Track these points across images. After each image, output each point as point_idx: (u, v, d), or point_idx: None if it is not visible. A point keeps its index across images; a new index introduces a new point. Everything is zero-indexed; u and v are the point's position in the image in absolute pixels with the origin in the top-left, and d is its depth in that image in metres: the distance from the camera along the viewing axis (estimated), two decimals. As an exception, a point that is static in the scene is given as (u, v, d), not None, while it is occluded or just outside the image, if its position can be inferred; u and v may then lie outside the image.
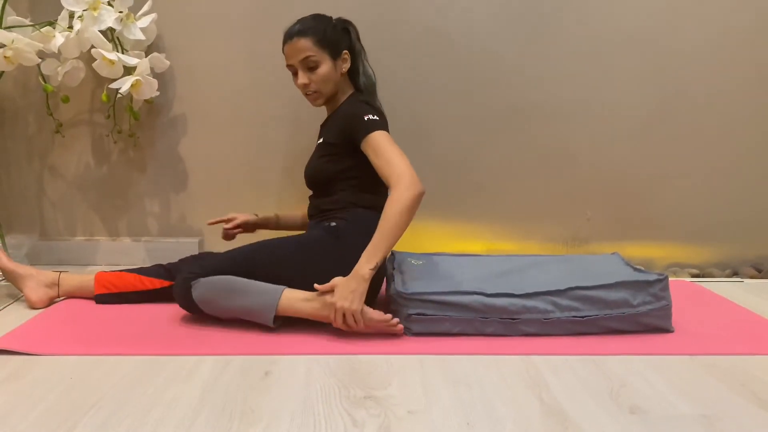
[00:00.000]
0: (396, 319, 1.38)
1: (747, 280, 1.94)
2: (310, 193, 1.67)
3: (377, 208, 1.46)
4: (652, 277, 1.43)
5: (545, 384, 1.17)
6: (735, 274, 2.04)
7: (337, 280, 1.36)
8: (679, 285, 1.82)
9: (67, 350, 1.31)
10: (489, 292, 1.41)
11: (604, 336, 1.41)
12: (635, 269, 1.54)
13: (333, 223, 1.53)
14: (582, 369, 1.24)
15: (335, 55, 1.57)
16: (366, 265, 1.35)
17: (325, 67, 1.55)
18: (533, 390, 1.15)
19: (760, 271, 2.03)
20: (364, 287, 1.35)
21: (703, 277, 2.02)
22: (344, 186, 1.57)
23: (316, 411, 1.06)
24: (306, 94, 1.60)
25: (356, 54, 1.63)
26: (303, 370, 1.22)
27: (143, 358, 1.28)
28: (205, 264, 1.43)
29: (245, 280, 1.39)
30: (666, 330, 1.44)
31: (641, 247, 2.08)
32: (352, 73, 1.65)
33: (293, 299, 1.38)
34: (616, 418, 1.04)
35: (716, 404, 1.10)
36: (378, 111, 1.55)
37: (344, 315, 1.35)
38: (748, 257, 2.08)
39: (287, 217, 1.86)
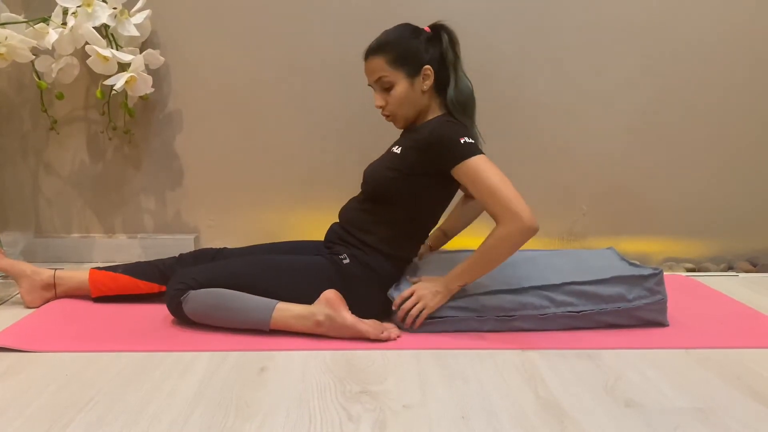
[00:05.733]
0: (386, 333, 1.36)
1: (742, 275, 1.95)
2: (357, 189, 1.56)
3: (399, 260, 1.48)
4: (647, 272, 1.43)
5: (541, 378, 1.17)
6: (730, 268, 2.05)
7: (425, 278, 1.42)
8: (674, 279, 1.83)
9: (63, 347, 1.31)
10: (484, 289, 1.40)
11: (600, 330, 1.41)
12: (630, 264, 1.55)
13: (346, 260, 1.44)
14: (577, 363, 1.24)
15: (413, 73, 1.42)
16: (456, 280, 1.37)
17: (401, 87, 1.42)
18: (529, 384, 1.15)
19: (755, 266, 2.04)
20: (445, 296, 1.37)
21: (698, 271, 2.02)
22: (391, 221, 1.46)
23: (312, 406, 1.06)
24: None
25: (446, 65, 1.45)
26: (299, 366, 1.22)
27: (139, 355, 1.28)
28: (198, 275, 1.40)
29: (237, 293, 1.37)
30: (661, 324, 1.44)
31: (637, 242, 2.08)
32: (442, 88, 1.47)
33: (286, 316, 1.35)
34: (612, 412, 1.05)
35: (711, 397, 1.10)
36: (471, 134, 1.40)
37: (414, 305, 1.37)
38: (743, 251, 2.09)
39: (450, 229, 1.72)
